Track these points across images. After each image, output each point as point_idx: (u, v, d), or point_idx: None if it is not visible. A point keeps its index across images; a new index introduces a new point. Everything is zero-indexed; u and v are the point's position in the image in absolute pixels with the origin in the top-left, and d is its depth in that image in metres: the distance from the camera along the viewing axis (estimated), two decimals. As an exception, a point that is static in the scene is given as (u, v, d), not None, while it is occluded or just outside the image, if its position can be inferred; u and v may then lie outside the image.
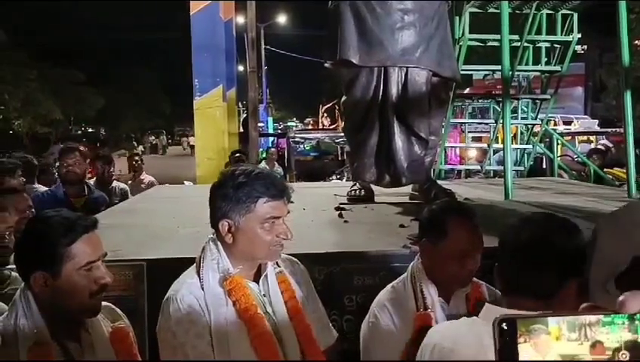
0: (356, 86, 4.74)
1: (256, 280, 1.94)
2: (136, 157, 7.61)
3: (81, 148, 4.99)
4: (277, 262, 2.01)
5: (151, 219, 4.16)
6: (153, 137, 46.66)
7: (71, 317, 1.80)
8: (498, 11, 5.62)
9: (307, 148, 16.02)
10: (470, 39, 7.08)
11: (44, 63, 31.64)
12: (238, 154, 7.12)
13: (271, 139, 20.24)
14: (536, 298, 1.57)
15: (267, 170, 2.29)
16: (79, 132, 44.50)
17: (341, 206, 4.46)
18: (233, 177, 1.88)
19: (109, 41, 46.76)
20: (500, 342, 0.65)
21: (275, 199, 1.86)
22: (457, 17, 6.90)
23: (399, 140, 4.71)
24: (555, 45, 7.42)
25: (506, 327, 0.65)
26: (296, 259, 2.17)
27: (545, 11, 6.94)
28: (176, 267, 2.09)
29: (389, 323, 2.15)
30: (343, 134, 14.85)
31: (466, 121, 9.14)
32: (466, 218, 2.15)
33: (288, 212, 1.93)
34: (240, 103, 20.48)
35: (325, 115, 30.08)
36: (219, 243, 1.91)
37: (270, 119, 35.28)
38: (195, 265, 1.95)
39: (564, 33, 7.13)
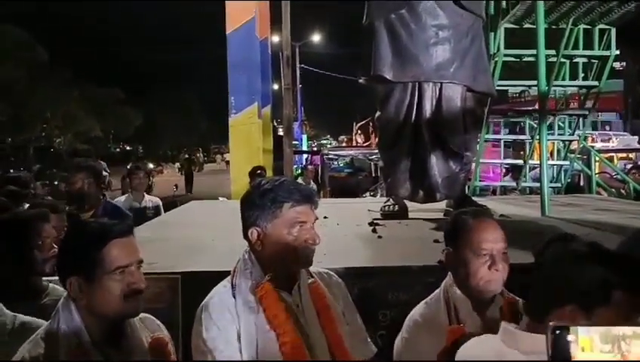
0: (390, 102, 4.75)
1: (289, 290, 1.94)
2: (137, 174, 6.09)
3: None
4: (311, 273, 2.01)
5: (186, 232, 4.21)
6: (186, 155, 47.30)
7: (108, 321, 1.82)
8: (533, 26, 5.57)
9: (341, 165, 16.05)
10: (505, 55, 7.02)
11: (87, 82, 32.46)
12: (259, 171, 7.14)
13: (305, 156, 20.32)
14: None
15: (292, 178, 2.30)
16: (117, 149, 45.38)
17: (375, 221, 4.44)
18: (259, 186, 1.94)
19: (148, 59, 47.77)
20: (552, 347, 0.67)
21: (300, 204, 1.88)
22: (492, 33, 6.86)
23: (434, 156, 4.68)
24: (593, 60, 7.31)
25: (558, 333, 0.67)
26: (332, 273, 2.17)
27: (582, 26, 6.85)
28: (210, 280, 2.10)
29: (422, 339, 2.12)
30: (376, 151, 14.86)
31: (502, 137, 9.04)
32: (480, 216, 2.15)
33: (316, 218, 1.94)
34: (275, 121, 20.62)
35: (359, 132, 30.05)
36: (252, 253, 1.94)
37: (305, 136, 35.43)
38: (230, 275, 1.97)
39: (601, 48, 7.02)
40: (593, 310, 1.43)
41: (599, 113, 19.20)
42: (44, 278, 2.48)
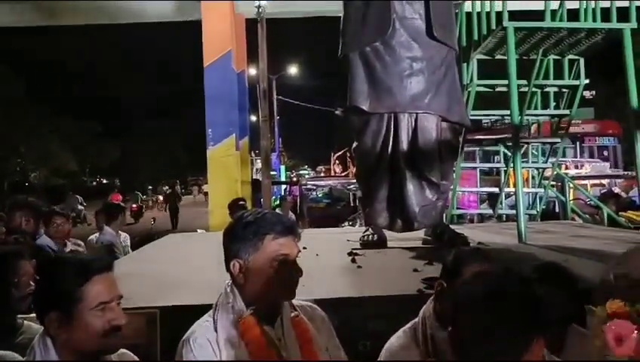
0: (367, 132, 4.81)
1: (272, 323, 1.92)
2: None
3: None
4: (294, 307, 2.00)
5: (163, 266, 4.17)
6: (167, 187, 46.99)
7: (87, 358, 1.79)
8: (505, 57, 5.71)
9: (319, 196, 16.08)
10: (478, 85, 7.17)
11: (62, 116, 32.28)
12: (241, 202, 7.14)
13: (283, 186, 20.34)
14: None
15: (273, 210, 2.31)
16: (94, 183, 44.96)
17: (354, 251, 4.45)
18: (241, 218, 1.93)
19: (125, 92, 47.74)
20: None
21: (282, 236, 1.87)
22: (465, 64, 7.01)
23: (411, 185, 4.74)
24: (563, 90, 7.48)
25: None
26: (315, 306, 2.15)
27: (552, 57, 7.03)
28: (189, 314, 2.08)
29: None
30: (354, 181, 14.97)
31: (477, 165, 9.15)
32: (481, 260, 2.15)
33: (299, 251, 1.93)
34: (252, 152, 20.68)
35: (337, 162, 30.28)
36: (234, 286, 1.92)
37: (283, 167, 35.50)
38: (212, 309, 1.96)
39: (571, 77, 7.21)
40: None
41: (597, 138, 19.54)
42: (18, 316, 2.44)
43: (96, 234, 6.04)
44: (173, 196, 28.14)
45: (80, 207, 26.77)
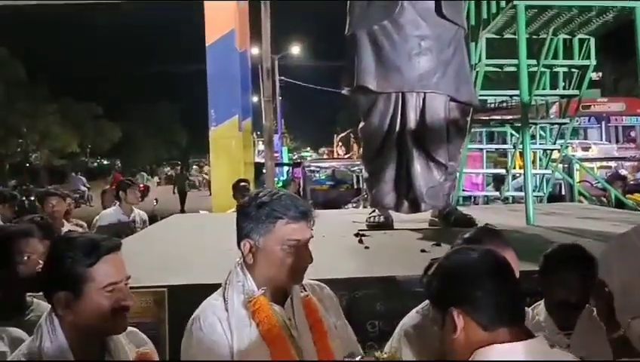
0: (374, 112, 4.75)
1: (282, 303, 1.90)
2: (131, 187, 5.79)
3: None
4: (304, 287, 1.97)
5: (171, 246, 4.16)
6: (168, 168, 47.02)
7: (94, 338, 1.78)
8: (514, 37, 5.62)
9: (322, 178, 16.04)
10: (487, 64, 7.08)
11: (64, 97, 32.23)
12: (242, 183, 7.08)
13: (286, 168, 20.30)
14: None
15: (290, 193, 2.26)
16: (95, 164, 44.99)
17: (361, 232, 4.41)
18: (256, 197, 1.88)
19: (126, 74, 47.57)
20: None
21: (296, 221, 1.83)
22: (474, 43, 6.92)
23: (418, 166, 4.68)
24: (573, 70, 7.39)
25: None
26: (324, 285, 2.13)
27: (562, 36, 6.93)
28: (197, 293, 2.07)
29: (413, 349, 2.10)
30: (358, 163, 14.95)
31: (484, 146, 9.08)
32: (494, 241, 2.11)
33: (311, 236, 1.88)
34: (254, 133, 20.63)
35: (340, 144, 30.22)
36: (244, 265, 1.89)
37: (285, 149, 35.45)
38: (221, 287, 1.93)
39: (581, 57, 7.11)
40: None
41: (624, 118, 18.51)
42: (28, 294, 2.42)
43: (109, 209, 6.00)
44: (181, 178, 27.20)
45: (83, 187, 26.77)
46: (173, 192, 26.41)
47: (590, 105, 16.23)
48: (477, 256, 1.54)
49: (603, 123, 17.89)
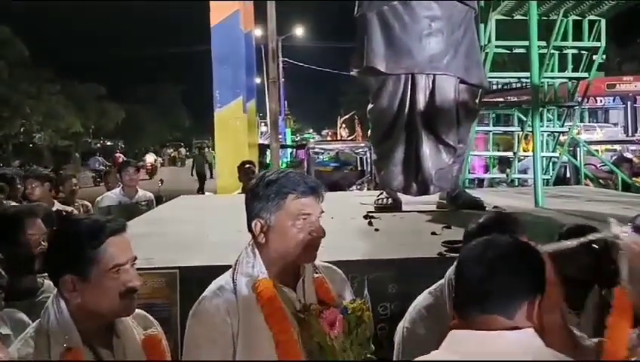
0: (383, 94, 4.71)
1: (294, 285, 1.89)
2: (127, 170, 5.84)
3: None
4: (316, 268, 1.96)
5: (180, 227, 4.15)
6: (172, 150, 47.00)
7: (102, 320, 1.78)
8: (524, 18, 5.56)
9: (326, 160, 15.99)
10: (497, 46, 7.01)
11: (68, 78, 32.14)
12: (248, 165, 7.05)
13: (290, 150, 20.25)
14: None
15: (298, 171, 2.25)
16: (98, 145, 44.98)
17: (370, 214, 4.40)
18: (264, 177, 1.88)
19: (130, 55, 47.39)
20: None
21: (305, 195, 1.83)
22: (483, 24, 6.85)
23: (427, 148, 4.65)
24: (582, 52, 7.33)
25: None
26: (335, 267, 2.12)
27: (572, 17, 6.86)
28: (209, 274, 2.06)
29: (426, 329, 2.11)
30: (362, 145, 14.91)
31: (492, 128, 9.03)
32: (505, 224, 2.10)
33: (322, 211, 1.88)
34: (258, 115, 20.55)
35: (344, 126, 30.09)
36: (255, 246, 1.88)
37: (288, 131, 35.32)
38: (231, 269, 1.92)
39: (591, 39, 7.04)
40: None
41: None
42: (39, 275, 2.42)
43: (111, 191, 5.99)
44: (200, 159, 24.81)
45: (101, 167, 26.62)
46: (192, 174, 25.07)
47: (615, 84, 15.85)
48: None
49: (629, 103, 17.37)
